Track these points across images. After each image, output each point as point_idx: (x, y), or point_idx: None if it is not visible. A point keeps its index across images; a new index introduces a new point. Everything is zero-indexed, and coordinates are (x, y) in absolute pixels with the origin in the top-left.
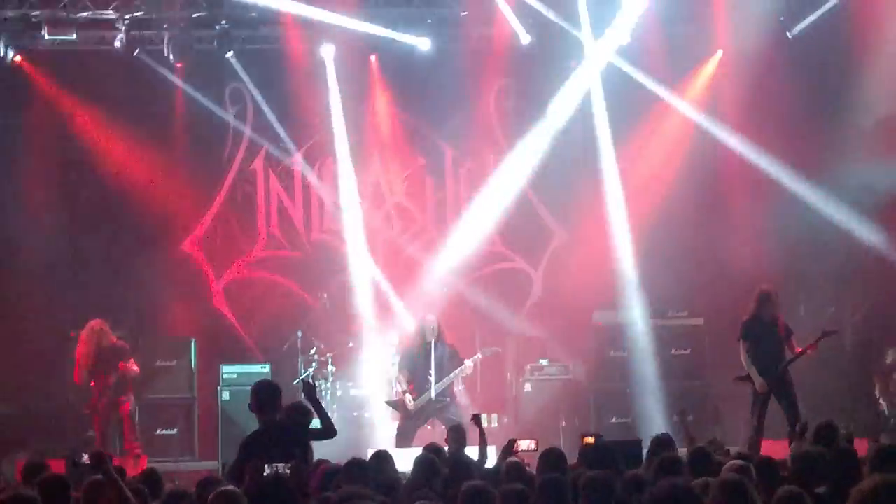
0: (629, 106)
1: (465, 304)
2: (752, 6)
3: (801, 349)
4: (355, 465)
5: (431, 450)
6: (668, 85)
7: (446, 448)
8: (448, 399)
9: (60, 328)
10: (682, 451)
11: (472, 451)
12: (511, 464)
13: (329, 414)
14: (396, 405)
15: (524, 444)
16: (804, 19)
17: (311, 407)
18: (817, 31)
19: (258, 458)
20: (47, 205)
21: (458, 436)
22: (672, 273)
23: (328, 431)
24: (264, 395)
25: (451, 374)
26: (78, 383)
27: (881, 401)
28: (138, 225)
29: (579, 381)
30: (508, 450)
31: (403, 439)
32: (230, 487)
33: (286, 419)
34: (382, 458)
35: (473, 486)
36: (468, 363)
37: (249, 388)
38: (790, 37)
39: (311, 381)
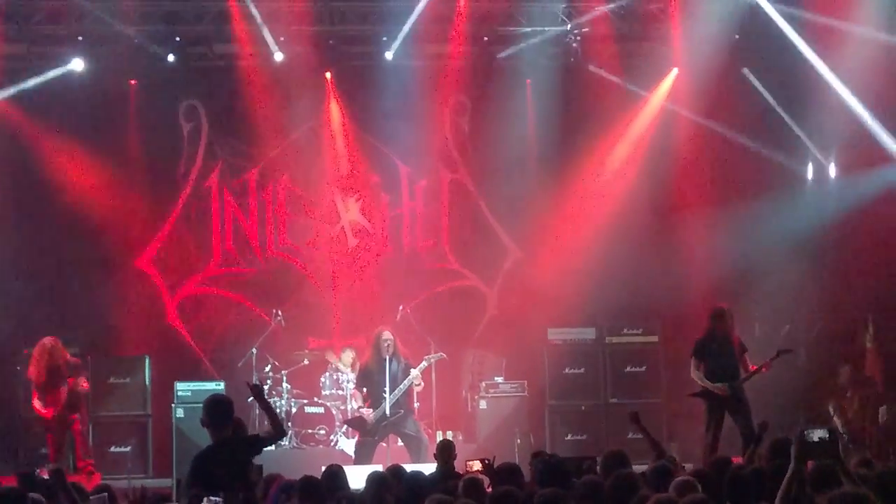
0: (583, 123)
1: (420, 322)
2: (707, 25)
3: (755, 367)
4: (309, 482)
5: (390, 469)
6: (623, 101)
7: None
8: (402, 411)
9: (13, 346)
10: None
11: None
12: (469, 481)
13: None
14: (354, 423)
15: (476, 465)
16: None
17: (260, 408)
18: (771, 51)
19: (208, 477)
20: (1, 223)
21: (444, 451)
22: (627, 290)
23: (278, 430)
24: (218, 410)
25: (398, 389)
26: (34, 402)
27: (835, 419)
28: (92, 242)
29: (534, 398)
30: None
31: (362, 457)
32: None
33: (237, 435)
34: (334, 474)
35: (438, 500)
36: (414, 372)
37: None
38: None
39: (257, 383)
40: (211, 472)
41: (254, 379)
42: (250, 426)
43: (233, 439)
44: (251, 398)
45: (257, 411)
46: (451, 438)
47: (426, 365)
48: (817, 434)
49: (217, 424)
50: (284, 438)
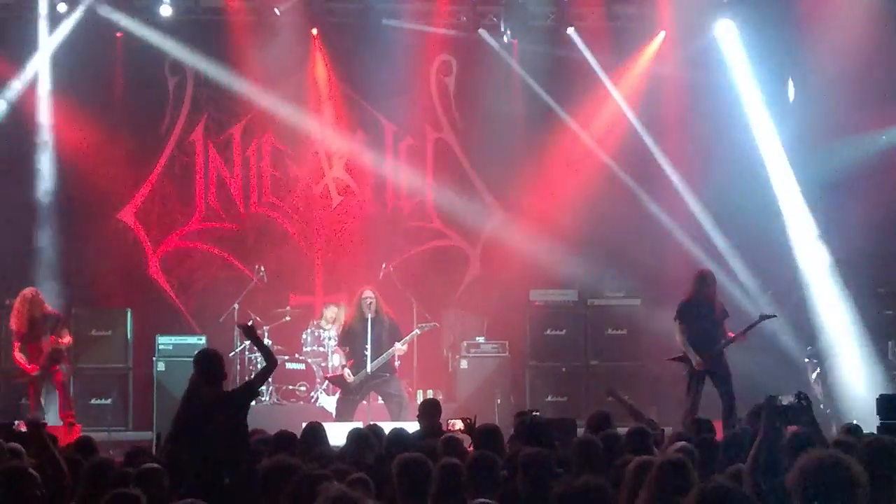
0: (568, 85)
1: (403, 281)
2: None
3: (733, 334)
4: (284, 437)
5: (369, 427)
6: (609, 64)
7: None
8: (388, 374)
9: None
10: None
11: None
12: (448, 439)
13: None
14: (336, 381)
15: (458, 424)
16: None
17: (253, 343)
18: (760, 16)
19: (203, 432)
20: None
21: (429, 410)
22: (609, 253)
23: (270, 362)
24: (213, 364)
25: (386, 353)
26: (15, 353)
27: (814, 386)
28: (76, 194)
29: (515, 359)
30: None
31: (343, 414)
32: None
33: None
34: (314, 430)
35: (409, 458)
36: (401, 346)
37: (184, 359)
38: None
39: (248, 324)
40: (206, 426)
41: (235, 337)
42: (232, 382)
43: (228, 393)
44: (233, 353)
45: (238, 367)
46: (432, 397)
47: (418, 333)
48: (786, 398)
49: (213, 379)
50: (264, 395)
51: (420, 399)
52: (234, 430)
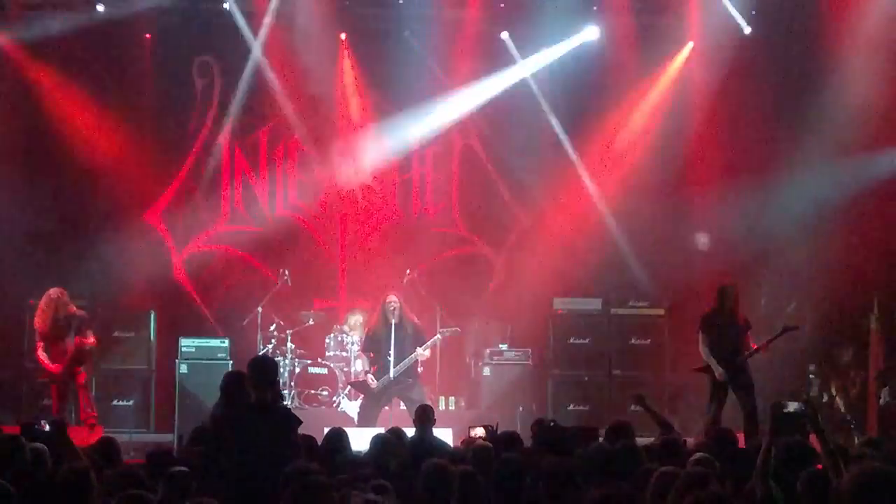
0: (598, 95)
1: (426, 287)
2: None
3: (756, 346)
4: (303, 441)
5: (392, 431)
6: (638, 75)
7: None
8: (411, 380)
9: (19, 296)
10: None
11: (439, 432)
12: (480, 448)
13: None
14: (359, 386)
15: (480, 431)
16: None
17: None
18: (788, 26)
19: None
20: (10, 173)
21: (423, 416)
22: (634, 263)
23: None
24: (268, 370)
25: (408, 359)
26: (38, 353)
27: (837, 399)
28: (102, 194)
29: (538, 367)
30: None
31: (366, 419)
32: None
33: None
34: (337, 436)
35: (434, 464)
36: (423, 352)
37: (207, 361)
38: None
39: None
40: (255, 433)
41: (258, 340)
42: None
43: (277, 406)
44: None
45: None
46: (453, 405)
47: (440, 338)
48: (792, 406)
49: (266, 387)
50: (286, 399)
51: (442, 406)
52: (279, 442)
